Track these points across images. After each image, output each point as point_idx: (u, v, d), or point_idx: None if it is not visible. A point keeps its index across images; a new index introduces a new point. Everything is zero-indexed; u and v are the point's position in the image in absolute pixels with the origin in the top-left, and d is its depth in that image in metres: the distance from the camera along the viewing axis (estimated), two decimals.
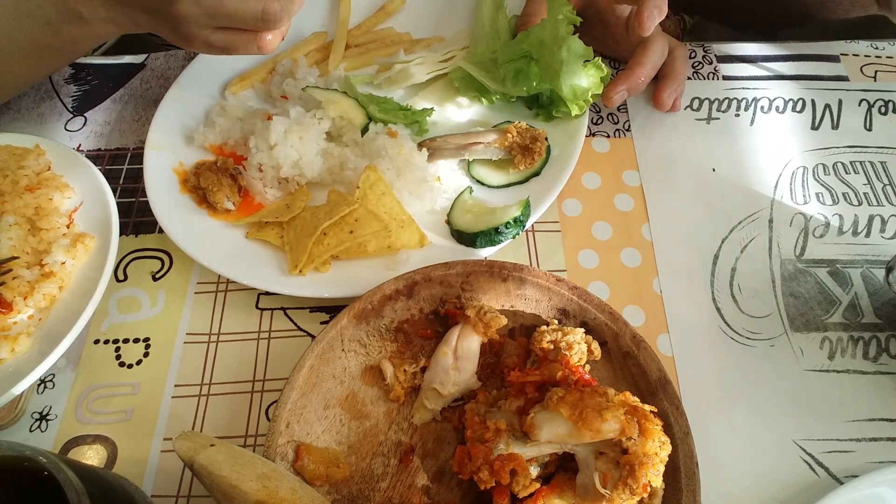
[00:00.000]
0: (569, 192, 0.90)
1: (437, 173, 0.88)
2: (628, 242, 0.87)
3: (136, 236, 0.88)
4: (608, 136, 0.97)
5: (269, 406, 0.75)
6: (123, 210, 0.86)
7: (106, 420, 0.74)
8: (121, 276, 0.84)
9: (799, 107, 1.01)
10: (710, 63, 1.06)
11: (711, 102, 1.01)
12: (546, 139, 0.87)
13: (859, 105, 1.00)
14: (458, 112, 0.97)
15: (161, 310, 0.82)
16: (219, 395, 0.76)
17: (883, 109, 1.01)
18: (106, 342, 0.79)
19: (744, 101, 1.01)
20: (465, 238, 0.81)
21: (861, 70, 1.05)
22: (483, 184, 0.89)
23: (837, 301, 0.82)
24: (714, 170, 0.94)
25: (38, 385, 0.76)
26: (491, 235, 0.79)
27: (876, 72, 1.05)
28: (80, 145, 0.97)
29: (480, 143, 0.87)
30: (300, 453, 0.65)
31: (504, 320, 0.71)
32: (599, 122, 0.99)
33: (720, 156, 0.95)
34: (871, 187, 0.92)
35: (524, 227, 0.81)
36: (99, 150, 0.97)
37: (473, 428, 0.65)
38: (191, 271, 0.85)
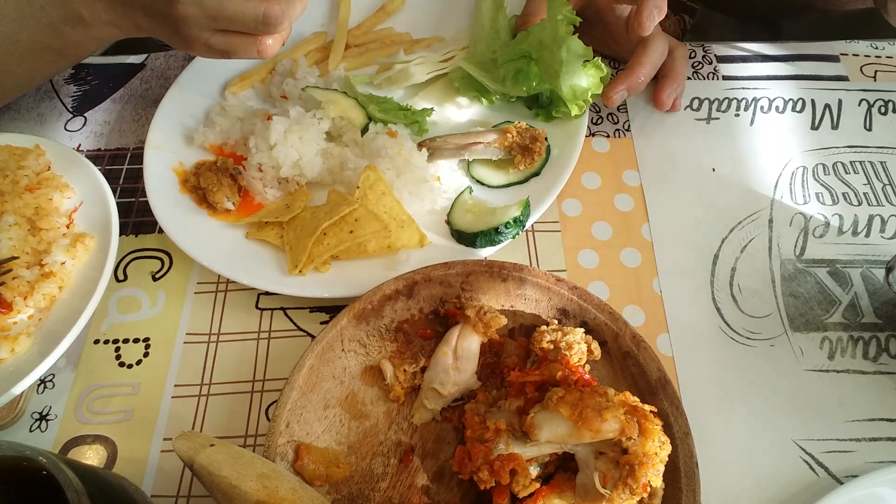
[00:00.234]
0: (569, 192, 0.90)
1: (437, 173, 0.88)
2: (628, 242, 0.87)
3: (136, 236, 0.88)
4: (608, 136, 0.97)
5: (269, 406, 0.75)
6: (123, 210, 0.86)
7: (106, 420, 0.74)
8: (121, 276, 0.84)
9: (799, 107, 1.01)
10: (710, 63, 1.06)
11: (711, 102, 1.01)
12: (546, 139, 0.87)
13: (859, 105, 1.00)
14: (458, 112, 0.97)
15: (161, 310, 0.82)
16: (219, 395, 0.76)
17: (883, 109, 1.01)
18: (106, 342, 0.79)
19: (744, 101, 1.01)
20: (465, 238, 0.81)
21: (861, 70, 1.05)
22: (483, 184, 0.89)
23: (837, 301, 0.82)
24: (714, 170, 0.94)
25: (38, 385, 0.76)
26: (491, 235, 0.79)
27: (876, 72, 1.05)
28: (80, 145, 0.97)
29: (480, 143, 0.87)
30: (300, 453, 0.65)
31: (504, 320, 0.71)
32: (599, 122, 0.99)
33: (720, 156, 0.95)
34: (871, 187, 0.92)
35: (524, 227, 0.81)
36: (99, 150, 0.97)
37: (473, 428, 0.65)
38: (191, 271, 0.85)
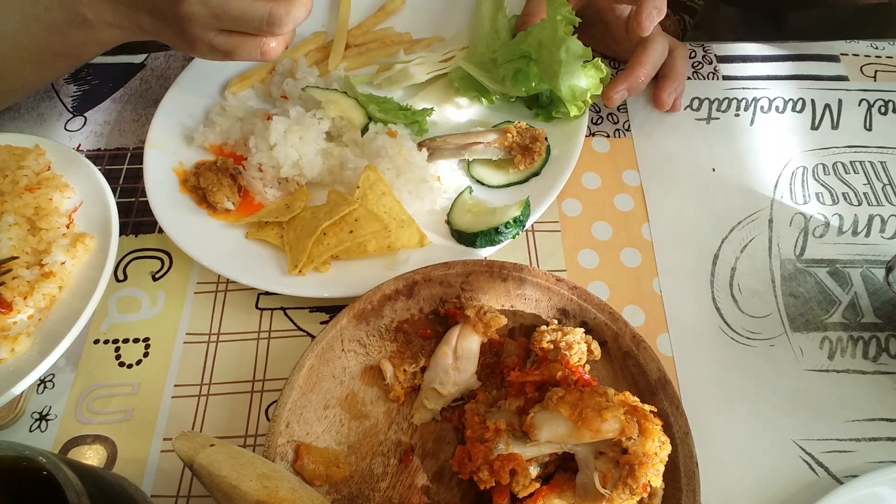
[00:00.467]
0: (569, 191, 0.90)
1: (436, 173, 0.88)
2: (628, 242, 0.87)
3: (136, 236, 0.88)
4: (608, 136, 0.97)
5: (268, 406, 0.75)
6: (123, 210, 0.86)
7: (106, 420, 0.74)
8: (121, 276, 0.84)
9: (799, 107, 1.01)
10: (710, 63, 1.06)
11: (711, 102, 1.01)
12: (546, 139, 0.87)
13: (859, 105, 1.00)
14: (458, 112, 0.97)
15: (161, 310, 0.82)
16: (219, 395, 0.76)
17: (883, 109, 1.01)
18: (106, 342, 0.79)
19: (744, 101, 1.01)
20: (465, 238, 0.81)
21: (861, 70, 1.05)
22: (483, 184, 0.89)
23: (837, 301, 0.82)
24: (714, 170, 0.94)
25: (38, 385, 0.76)
26: (491, 235, 0.79)
27: (876, 72, 1.05)
28: (79, 145, 0.97)
29: (480, 143, 0.87)
30: (300, 453, 0.65)
31: (504, 320, 0.71)
32: (599, 122, 0.99)
33: (720, 156, 0.95)
34: (871, 187, 0.92)
35: (524, 227, 0.81)
36: (99, 150, 0.97)
37: (473, 428, 0.65)
38: (191, 271, 0.85)
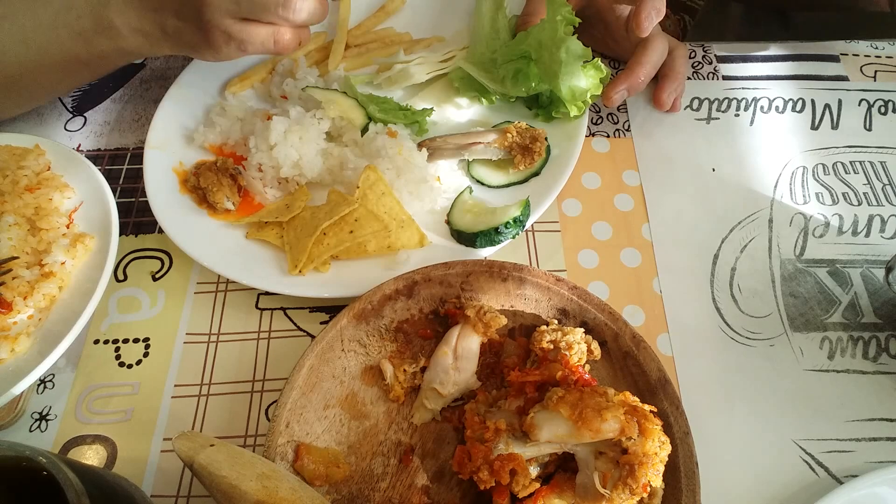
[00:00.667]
0: (569, 192, 0.90)
1: (436, 173, 0.88)
2: (628, 242, 0.87)
3: (136, 236, 0.88)
4: (608, 136, 0.97)
5: (268, 406, 0.75)
6: (123, 210, 0.86)
7: (106, 420, 0.74)
8: (121, 276, 0.84)
9: (799, 107, 1.01)
10: (710, 63, 1.06)
11: (711, 102, 1.01)
12: (546, 139, 0.87)
13: (859, 105, 1.00)
14: (458, 112, 0.97)
15: (161, 310, 0.82)
16: (219, 395, 0.76)
17: (883, 109, 1.01)
18: (106, 342, 0.79)
19: (744, 101, 1.01)
20: (465, 238, 0.81)
21: (861, 70, 1.05)
22: (483, 184, 0.89)
23: (837, 301, 0.82)
24: (714, 170, 0.94)
25: (38, 385, 0.76)
26: (491, 235, 0.79)
27: (876, 72, 1.05)
28: (79, 145, 0.97)
29: (480, 143, 0.87)
30: (300, 453, 0.65)
31: (504, 320, 0.71)
32: (599, 122, 0.99)
33: (720, 156, 0.95)
34: (871, 187, 0.92)
35: (524, 227, 0.81)
36: (99, 150, 0.97)
37: (473, 428, 0.65)
38: (191, 271, 0.85)
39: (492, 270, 0.75)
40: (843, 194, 0.91)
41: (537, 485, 0.62)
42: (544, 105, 0.93)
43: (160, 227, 0.82)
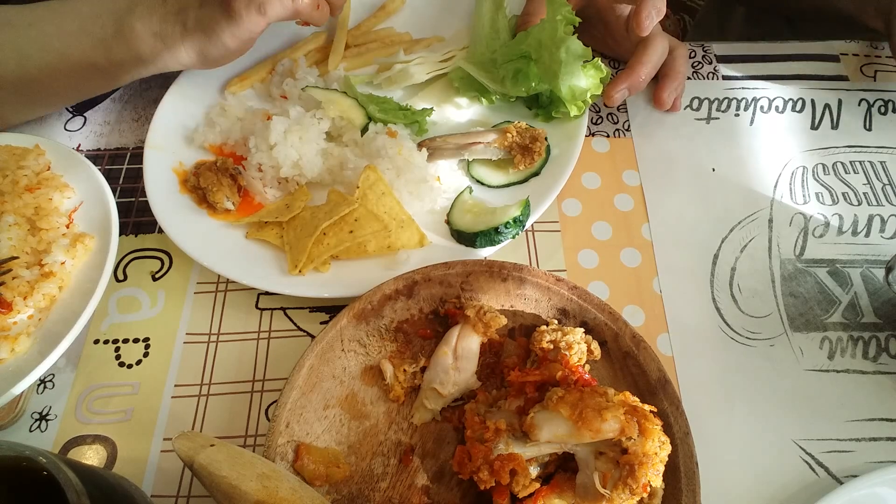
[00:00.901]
0: (569, 191, 0.90)
1: (436, 173, 0.88)
2: (628, 242, 0.87)
3: (136, 236, 0.88)
4: (608, 136, 0.97)
5: (269, 406, 0.75)
6: (123, 210, 0.86)
7: (106, 420, 0.74)
8: (120, 276, 0.84)
9: (799, 107, 1.01)
10: (710, 63, 1.06)
11: (711, 102, 1.01)
12: (546, 139, 0.87)
13: (859, 105, 1.00)
14: (458, 112, 0.97)
15: (161, 310, 0.82)
16: (219, 395, 0.76)
17: (883, 109, 1.01)
18: (106, 342, 0.79)
19: (744, 101, 1.01)
20: (465, 238, 0.81)
21: (861, 70, 1.05)
22: (483, 184, 0.89)
23: (837, 301, 0.82)
24: (714, 170, 0.94)
25: (38, 385, 0.76)
26: (491, 235, 0.79)
27: (876, 72, 1.05)
28: (79, 145, 0.97)
29: (480, 142, 0.87)
30: (300, 453, 0.65)
31: (504, 320, 0.71)
32: (599, 122, 0.99)
33: (720, 156, 0.95)
34: (871, 187, 0.92)
35: (524, 227, 0.81)
36: (99, 150, 0.97)
37: (473, 428, 0.65)
38: (191, 271, 0.85)
39: (492, 270, 0.75)
40: (843, 194, 0.91)
41: (537, 485, 0.62)
42: (544, 105, 0.93)
43: (160, 227, 0.82)
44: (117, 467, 0.71)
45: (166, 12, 0.79)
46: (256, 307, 0.82)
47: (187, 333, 0.80)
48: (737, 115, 1.00)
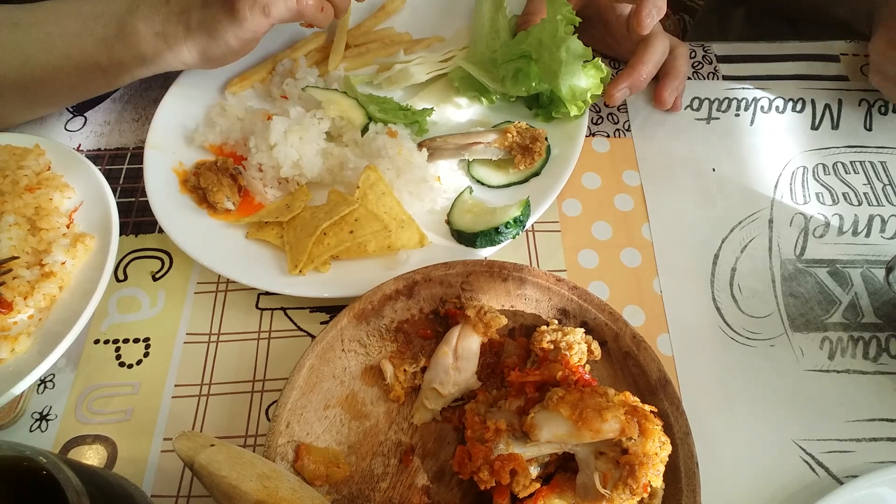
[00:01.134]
0: (569, 192, 0.90)
1: (437, 173, 0.88)
2: (628, 242, 0.87)
3: (136, 236, 0.88)
4: (608, 136, 0.97)
5: (269, 406, 0.75)
6: (123, 210, 0.86)
7: (106, 420, 0.74)
8: (121, 276, 0.84)
9: (799, 107, 1.01)
10: (710, 63, 1.06)
11: (711, 102, 1.01)
12: (546, 139, 0.87)
13: (859, 105, 1.00)
14: (458, 112, 0.97)
15: (161, 310, 0.82)
16: (219, 395, 0.76)
17: (883, 109, 1.01)
18: (106, 342, 0.79)
19: (744, 101, 1.01)
20: (465, 238, 0.81)
21: (861, 70, 1.05)
22: (483, 184, 0.89)
23: (837, 301, 0.82)
24: (714, 170, 0.94)
25: (38, 385, 0.76)
26: (491, 235, 0.79)
27: None
28: (80, 145, 0.97)
29: (480, 143, 0.87)
30: (300, 453, 0.65)
31: (504, 320, 0.71)
32: (599, 122, 0.99)
33: (720, 156, 0.95)
34: (871, 187, 0.92)
35: (524, 227, 0.81)
36: (99, 150, 0.97)
37: (473, 428, 0.65)
38: (191, 271, 0.85)
39: (492, 270, 0.75)
40: (844, 194, 0.91)
41: (537, 485, 0.62)
42: (544, 105, 0.93)
43: (160, 227, 0.82)
44: (117, 467, 0.71)
45: (169, 12, 0.79)
46: (256, 307, 0.82)
47: (187, 333, 0.80)
48: (737, 115, 1.00)
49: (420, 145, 0.87)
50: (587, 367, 0.70)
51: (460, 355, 0.70)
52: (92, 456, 0.72)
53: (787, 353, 0.78)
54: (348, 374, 0.72)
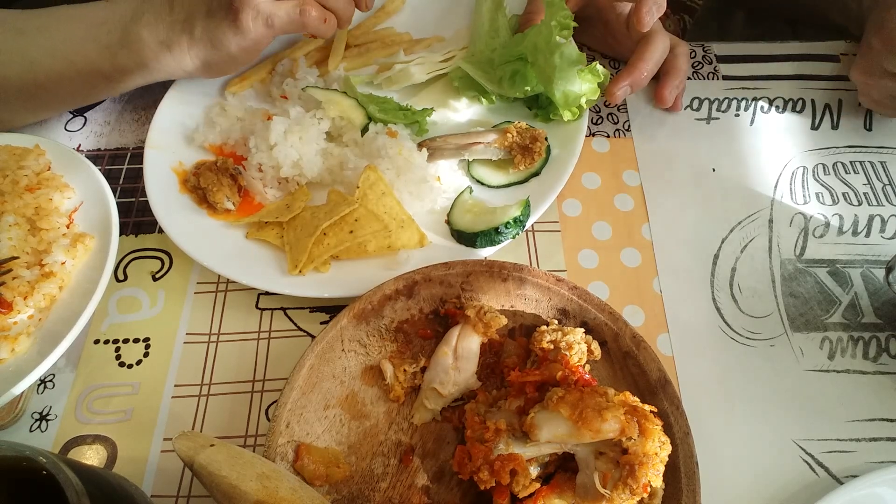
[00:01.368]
0: (569, 192, 0.90)
1: (437, 173, 0.88)
2: (628, 242, 0.87)
3: (136, 236, 0.88)
4: (608, 136, 0.97)
5: (269, 406, 0.75)
6: (123, 210, 0.86)
7: (106, 420, 0.74)
8: (121, 276, 0.84)
9: (799, 107, 1.01)
10: (710, 63, 1.06)
11: (711, 102, 1.01)
12: (546, 139, 0.87)
13: (859, 105, 1.00)
14: (458, 112, 0.97)
15: (161, 310, 0.82)
16: (219, 395, 0.76)
17: None
18: (106, 342, 0.79)
19: (744, 101, 1.01)
20: (465, 238, 0.81)
21: None
22: (483, 184, 0.89)
23: (837, 301, 0.82)
24: (714, 170, 0.94)
25: (38, 385, 0.76)
26: (491, 235, 0.79)
27: None
28: (80, 145, 0.97)
29: (480, 143, 0.87)
30: (300, 453, 0.65)
31: (504, 320, 0.71)
32: (599, 122, 0.99)
33: (720, 156, 0.95)
34: (871, 187, 0.92)
35: (524, 227, 0.81)
36: (99, 150, 0.97)
37: (473, 428, 0.65)
38: (191, 271, 0.85)
39: (492, 270, 0.75)
40: (844, 194, 0.91)
41: (537, 485, 0.62)
42: (544, 105, 0.93)
43: (160, 227, 0.82)
44: (117, 467, 0.71)
45: (173, 21, 0.80)
46: (256, 307, 0.82)
47: (187, 333, 0.80)
48: (737, 115, 1.00)
49: (420, 145, 0.87)
50: (587, 367, 0.70)
51: (460, 355, 0.70)
52: (92, 456, 0.72)
53: (787, 353, 0.78)
54: (348, 374, 0.72)
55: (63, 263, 0.76)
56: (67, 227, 0.81)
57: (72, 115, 1.00)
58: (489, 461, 0.60)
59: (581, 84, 0.87)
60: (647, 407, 0.61)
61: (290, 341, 0.79)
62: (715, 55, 1.07)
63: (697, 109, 1.00)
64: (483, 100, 0.95)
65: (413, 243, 0.80)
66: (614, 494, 0.58)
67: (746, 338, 0.79)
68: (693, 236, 0.87)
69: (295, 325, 0.81)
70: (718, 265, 0.85)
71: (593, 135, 0.97)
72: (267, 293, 0.82)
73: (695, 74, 1.04)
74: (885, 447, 0.72)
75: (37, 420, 0.74)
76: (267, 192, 0.87)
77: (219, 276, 0.82)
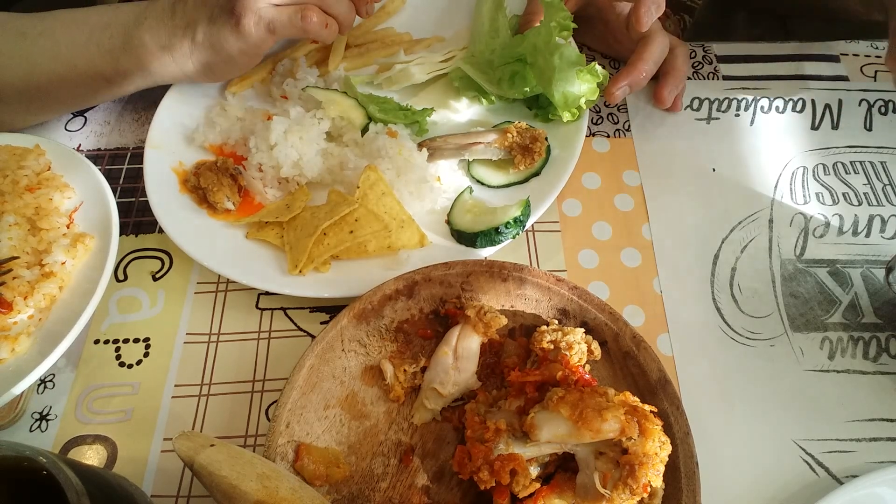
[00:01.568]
0: (569, 192, 0.90)
1: (437, 173, 0.88)
2: (628, 242, 0.87)
3: (136, 236, 0.88)
4: (608, 136, 0.97)
5: (269, 406, 0.75)
6: (123, 210, 0.86)
7: (106, 420, 0.74)
8: (121, 276, 0.84)
9: (799, 107, 1.01)
10: (710, 63, 1.06)
11: (711, 102, 1.01)
12: (546, 139, 0.87)
13: (859, 105, 1.00)
14: (458, 112, 0.97)
15: (161, 310, 0.82)
16: (219, 395, 0.76)
17: (883, 109, 1.01)
18: (106, 342, 0.79)
19: (744, 101, 1.01)
20: (465, 238, 0.81)
21: (861, 70, 1.05)
22: (483, 184, 0.89)
23: (837, 301, 0.82)
24: (714, 170, 0.94)
25: (38, 385, 0.76)
26: (491, 235, 0.79)
27: (876, 72, 1.05)
28: (80, 145, 0.97)
29: (480, 143, 0.87)
30: (300, 453, 0.65)
31: (504, 320, 0.71)
32: (599, 122, 0.99)
33: (720, 156, 0.95)
34: (871, 187, 0.92)
35: (524, 227, 0.81)
36: (99, 150, 0.97)
37: (473, 428, 0.65)
38: (191, 271, 0.85)
39: (492, 270, 0.75)
40: (844, 194, 0.91)
41: (537, 485, 0.62)
42: (544, 106, 0.93)
43: (160, 227, 0.82)
44: (117, 467, 0.71)
45: (175, 25, 0.80)
46: (257, 307, 0.82)
47: (187, 333, 0.80)
48: (737, 115, 1.00)
49: (420, 145, 0.87)
50: (587, 367, 0.70)
51: (460, 355, 0.70)
52: (92, 456, 0.72)
53: (787, 353, 0.78)
54: (348, 374, 0.72)
55: (63, 263, 0.76)
56: (67, 227, 0.81)
57: (72, 115, 1.00)
58: (489, 461, 0.60)
59: (580, 85, 0.87)
60: (647, 407, 0.61)
61: (290, 341, 0.79)
62: (715, 55, 1.07)
63: (697, 109, 1.00)
64: (483, 100, 0.95)
65: (413, 243, 0.80)
66: (614, 494, 0.58)
67: (746, 338, 0.79)
68: (693, 236, 0.87)
69: (295, 325, 0.81)
70: (718, 265, 0.85)
71: (593, 135, 0.97)
72: (267, 293, 0.82)
73: (695, 74, 1.04)
74: (885, 447, 0.72)
75: (37, 420, 0.74)
76: (267, 192, 0.87)
77: (219, 276, 0.82)
